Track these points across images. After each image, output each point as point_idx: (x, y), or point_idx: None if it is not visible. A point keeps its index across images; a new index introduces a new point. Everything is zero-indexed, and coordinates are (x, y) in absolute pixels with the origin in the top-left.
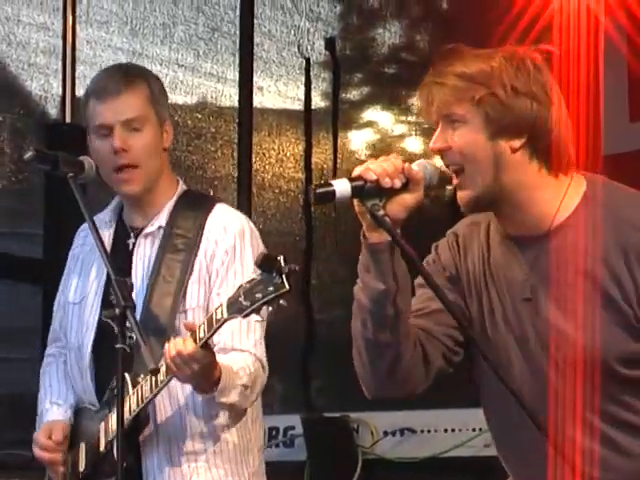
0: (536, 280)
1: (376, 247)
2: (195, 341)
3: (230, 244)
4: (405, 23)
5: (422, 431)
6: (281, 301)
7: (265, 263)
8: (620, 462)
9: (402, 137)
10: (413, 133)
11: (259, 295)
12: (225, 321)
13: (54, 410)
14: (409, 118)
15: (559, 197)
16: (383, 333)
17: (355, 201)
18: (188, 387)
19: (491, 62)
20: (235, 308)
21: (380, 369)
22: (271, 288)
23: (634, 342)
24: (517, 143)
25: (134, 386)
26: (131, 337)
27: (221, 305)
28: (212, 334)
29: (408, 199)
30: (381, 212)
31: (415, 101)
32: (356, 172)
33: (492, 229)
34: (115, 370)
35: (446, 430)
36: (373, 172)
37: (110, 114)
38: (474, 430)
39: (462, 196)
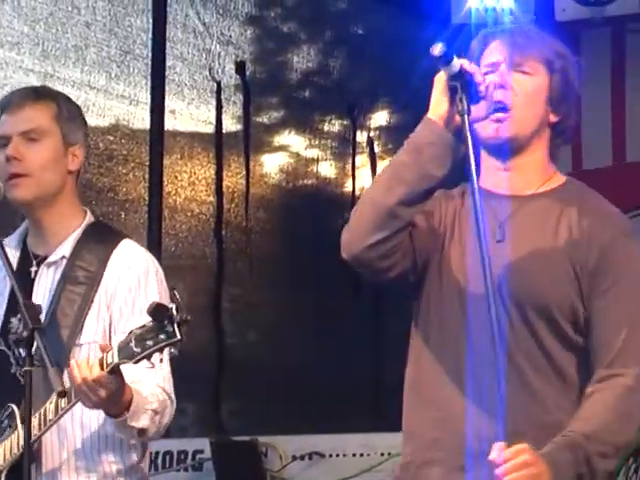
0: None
1: (448, 136)
2: (102, 367)
3: (134, 282)
4: (317, 47)
5: (330, 455)
6: (172, 350)
7: (156, 312)
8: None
9: (314, 161)
10: (325, 157)
11: (150, 342)
12: (116, 365)
13: None
14: (321, 142)
15: (549, 173)
16: (405, 208)
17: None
18: (78, 424)
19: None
20: (126, 353)
21: (378, 234)
22: (163, 336)
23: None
24: (554, 118)
25: (22, 418)
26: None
27: (112, 348)
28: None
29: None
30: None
31: (327, 125)
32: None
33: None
34: (6, 400)
35: (354, 454)
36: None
37: (10, 125)
38: (382, 455)
39: (502, 132)
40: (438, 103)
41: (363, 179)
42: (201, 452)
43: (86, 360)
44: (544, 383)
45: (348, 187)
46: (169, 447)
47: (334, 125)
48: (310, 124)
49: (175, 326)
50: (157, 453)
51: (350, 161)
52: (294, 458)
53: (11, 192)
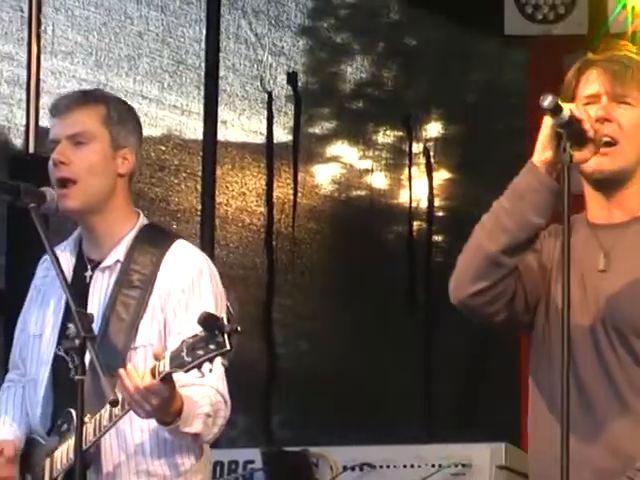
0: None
1: (552, 184)
2: (154, 375)
3: (187, 283)
4: (370, 59)
5: (381, 466)
6: (223, 361)
7: (207, 322)
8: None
9: (366, 172)
10: (376, 168)
11: (201, 352)
12: (168, 374)
13: (7, 428)
14: (373, 153)
15: None
16: (508, 256)
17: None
18: (137, 428)
19: None
20: (177, 362)
21: (482, 282)
22: (212, 346)
23: None
24: None
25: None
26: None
27: (164, 357)
28: (157, 382)
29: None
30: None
31: (380, 136)
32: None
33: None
34: (66, 404)
35: (405, 466)
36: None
37: (59, 129)
38: (433, 466)
39: (607, 166)
40: (543, 149)
41: (417, 191)
42: (252, 462)
43: (136, 369)
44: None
45: (401, 199)
46: (220, 457)
47: (387, 136)
48: (363, 135)
49: (225, 336)
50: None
51: (403, 172)
52: (345, 469)
53: (61, 203)
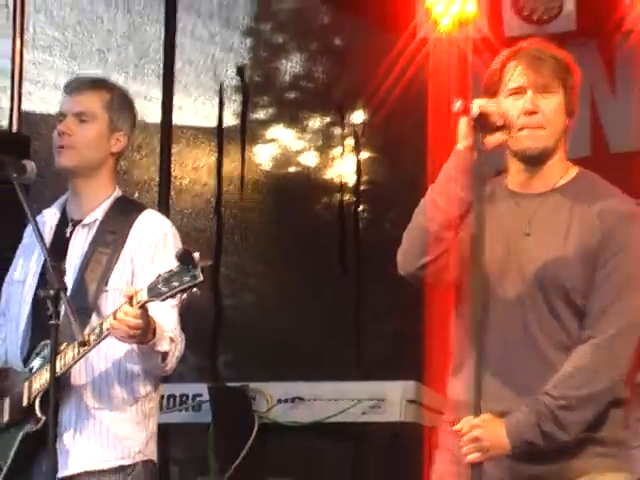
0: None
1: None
2: (131, 304)
3: (154, 241)
4: (305, 56)
5: (310, 400)
6: (195, 289)
7: (184, 257)
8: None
9: (302, 152)
10: (311, 148)
11: (176, 283)
12: (146, 302)
13: None
14: (308, 135)
15: (566, 168)
16: (446, 230)
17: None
18: (103, 358)
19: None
20: (154, 292)
21: (426, 257)
22: (187, 278)
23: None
24: (569, 122)
25: (57, 353)
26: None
27: (141, 289)
28: (136, 309)
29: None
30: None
31: (313, 121)
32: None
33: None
34: (43, 339)
35: (330, 399)
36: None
37: (68, 105)
38: (353, 400)
39: (535, 145)
40: (463, 138)
41: (346, 168)
42: (200, 395)
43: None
44: (559, 354)
45: (332, 175)
46: (172, 391)
47: (320, 121)
48: (299, 120)
49: (198, 270)
50: (162, 396)
51: (334, 152)
52: (279, 401)
53: (58, 159)
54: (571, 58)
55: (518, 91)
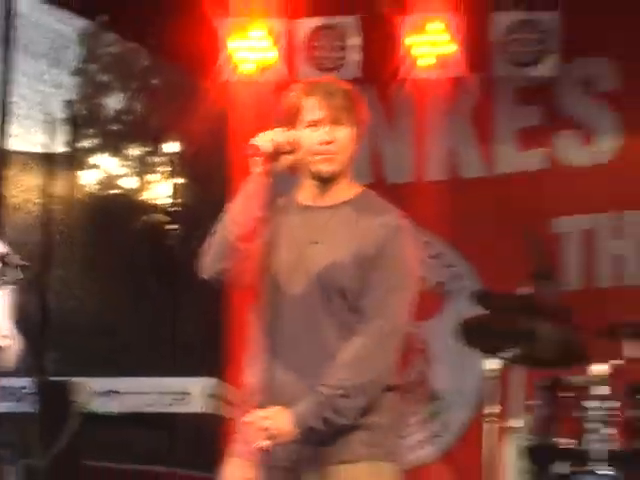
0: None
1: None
2: None
3: None
4: (126, 93)
5: (124, 393)
6: (14, 286)
7: (3, 258)
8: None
9: (121, 177)
10: (129, 174)
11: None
12: None
13: None
14: (127, 163)
15: (350, 185)
16: (242, 242)
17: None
18: None
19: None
20: None
21: (223, 263)
22: (7, 277)
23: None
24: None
25: None
26: None
27: None
28: None
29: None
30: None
31: (133, 150)
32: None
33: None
34: None
35: (141, 392)
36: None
37: None
38: (161, 393)
39: (331, 168)
40: (257, 165)
41: (160, 191)
42: (24, 388)
43: None
44: (341, 345)
45: (148, 196)
46: (2, 383)
47: (138, 150)
48: (120, 149)
49: (18, 269)
50: None
51: (150, 177)
52: (97, 394)
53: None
54: (358, 93)
55: (315, 123)
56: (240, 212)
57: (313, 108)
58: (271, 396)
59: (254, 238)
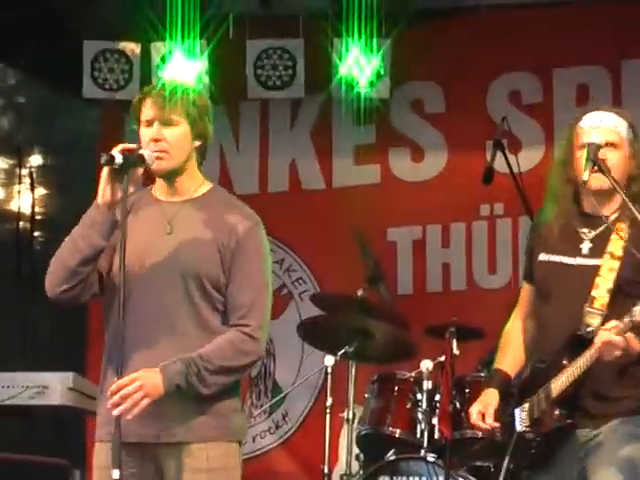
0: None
1: (110, 217)
2: None
3: None
4: None
5: None
6: None
7: None
8: None
9: None
10: None
11: None
12: None
13: None
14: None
15: (199, 181)
16: (83, 267)
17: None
18: None
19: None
20: None
21: (66, 284)
22: None
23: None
24: (197, 144)
25: None
26: None
27: None
28: None
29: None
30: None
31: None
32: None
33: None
34: None
35: (3, 387)
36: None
37: None
38: (23, 387)
39: (164, 167)
40: (104, 192)
41: (24, 202)
42: None
43: None
44: (198, 331)
45: (13, 207)
46: None
47: (3, 162)
48: None
49: None
50: None
51: (14, 188)
52: None
53: None
54: (200, 94)
55: (148, 122)
56: (83, 238)
57: (147, 108)
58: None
59: (95, 262)
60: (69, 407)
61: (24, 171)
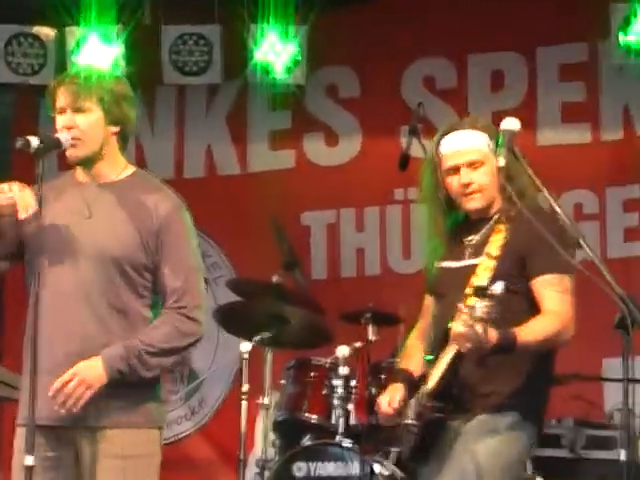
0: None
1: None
2: None
3: None
4: None
5: None
6: None
7: None
8: None
9: None
10: None
11: None
12: None
13: None
14: None
15: (122, 165)
16: None
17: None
18: None
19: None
20: None
21: None
22: None
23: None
24: (115, 130)
25: None
26: None
27: None
28: None
29: None
30: None
31: None
32: None
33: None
34: None
35: None
36: None
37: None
38: None
39: (74, 154)
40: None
41: None
42: None
43: None
44: (113, 314)
45: None
46: None
47: None
48: None
49: None
50: None
51: None
52: None
53: None
54: (117, 80)
55: (60, 110)
56: None
57: (59, 96)
58: (35, 370)
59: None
60: None
61: None
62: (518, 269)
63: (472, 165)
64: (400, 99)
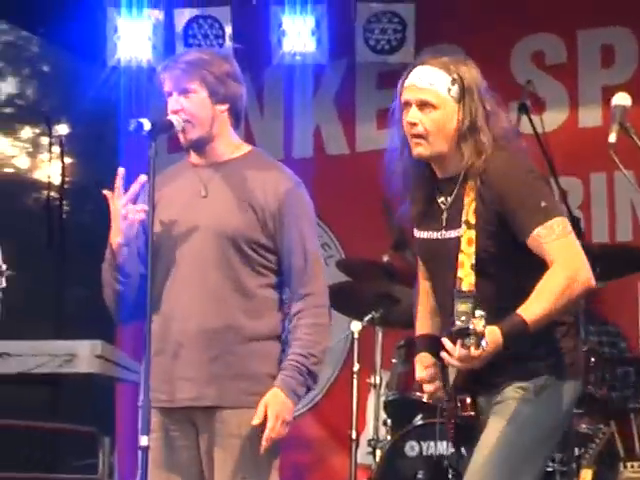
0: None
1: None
2: None
3: None
4: (18, 79)
5: (16, 355)
6: None
7: None
8: None
9: (14, 157)
10: (21, 154)
11: None
12: None
13: None
14: (19, 144)
15: (236, 144)
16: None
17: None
18: None
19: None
20: None
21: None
22: None
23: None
24: (223, 108)
25: None
26: None
27: None
28: None
29: None
30: None
31: (25, 132)
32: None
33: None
34: None
35: (33, 355)
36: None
37: None
38: (50, 355)
39: (186, 138)
40: (114, 233)
41: (52, 170)
42: None
43: None
44: (232, 296)
45: (41, 176)
46: None
47: (30, 132)
48: (13, 131)
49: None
50: None
51: (42, 157)
52: None
53: None
54: (222, 58)
55: (168, 94)
56: (105, 279)
57: (165, 81)
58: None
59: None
60: (97, 375)
61: (52, 140)
62: (501, 227)
63: (423, 106)
64: (509, 74)
